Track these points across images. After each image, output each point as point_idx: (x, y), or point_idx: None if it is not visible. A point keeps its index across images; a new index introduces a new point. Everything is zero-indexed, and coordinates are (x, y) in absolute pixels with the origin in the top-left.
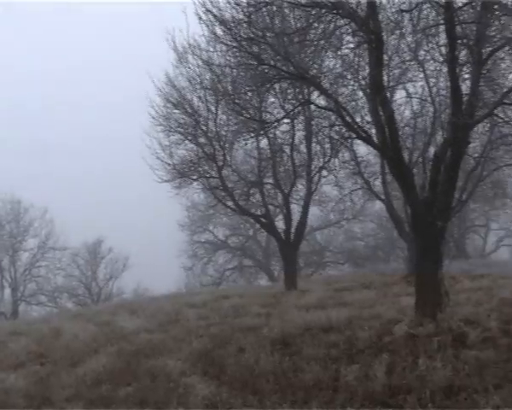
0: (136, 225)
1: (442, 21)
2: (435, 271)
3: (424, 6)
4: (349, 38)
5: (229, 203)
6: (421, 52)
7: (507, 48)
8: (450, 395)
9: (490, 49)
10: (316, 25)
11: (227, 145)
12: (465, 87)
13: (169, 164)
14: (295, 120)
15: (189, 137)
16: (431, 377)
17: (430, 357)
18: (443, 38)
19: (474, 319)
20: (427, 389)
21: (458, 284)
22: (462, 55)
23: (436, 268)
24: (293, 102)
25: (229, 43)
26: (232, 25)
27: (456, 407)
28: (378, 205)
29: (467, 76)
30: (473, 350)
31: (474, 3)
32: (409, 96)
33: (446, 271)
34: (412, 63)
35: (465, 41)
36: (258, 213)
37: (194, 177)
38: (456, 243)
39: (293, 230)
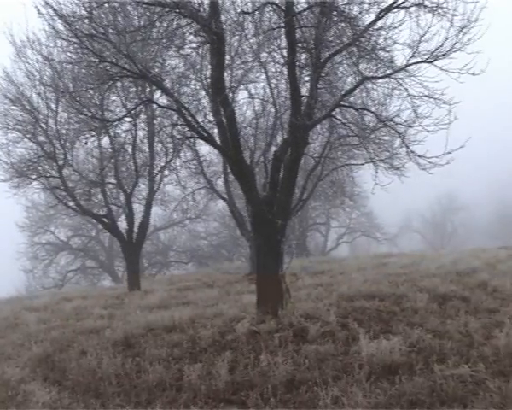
0: None
1: (283, 25)
2: (276, 268)
3: (266, 9)
4: (192, 37)
5: (71, 203)
6: (263, 54)
7: (344, 52)
8: (292, 388)
9: (328, 53)
10: (158, 23)
11: (68, 144)
12: (305, 90)
13: (7, 163)
14: (137, 119)
15: (28, 135)
16: (273, 372)
17: (272, 353)
18: (284, 41)
19: (314, 314)
20: (269, 384)
21: (299, 281)
22: (303, 58)
23: (277, 266)
24: (135, 100)
25: (69, 38)
26: (73, 20)
27: (298, 400)
28: (221, 204)
29: (307, 79)
30: (313, 344)
31: (313, 9)
32: (251, 96)
33: (287, 268)
34: (254, 65)
35: (305, 45)
36: (101, 213)
37: (34, 176)
38: (297, 241)
39: (135, 230)
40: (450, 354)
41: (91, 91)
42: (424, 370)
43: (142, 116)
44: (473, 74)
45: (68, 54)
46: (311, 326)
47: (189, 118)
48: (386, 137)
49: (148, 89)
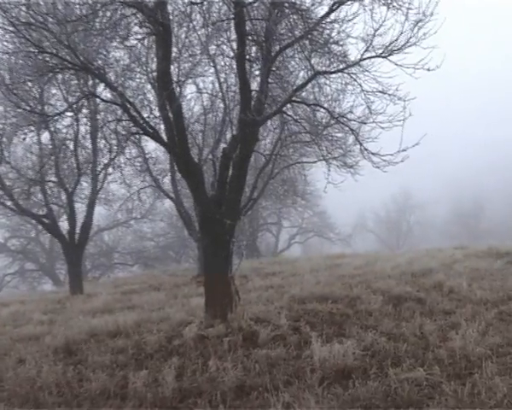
0: None
1: (232, 16)
2: (225, 270)
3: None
4: (137, 28)
5: (8, 203)
6: (212, 47)
7: (296, 46)
8: (242, 394)
9: (279, 46)
10: (101, 13)
11: (5, 139)
12: (255, 84)
13: None
14: (79, 114)
15: None
16: (222, 378)
17: (221, 358)
18: (234, 34)
19: (265, 318)
20: (217, 391)
21: (249, 283)
22: (253, 51)
23: (226, 267)
24: (77, 94)
25: (5, 27)
26: (9, 7)
27: (248, 406)
28: (168, 203)
29: (257, 73)
30: (263, 349)
31: (264, 0)
32: (199, 91)
33: (237, 270)
34: (202, 58)
35: (255, 37)
36: (40, 213)
37: None
38: (247, 242)
39: (78, 230)
40: (405, 358)
41: (30, 84)
42: (378, 374)
43: (85, 111)
44: (428, 70)
45: (4, 43)
46: (261, 330)
47: (134, 113)
48: (339, 134)
49: (90, 82)
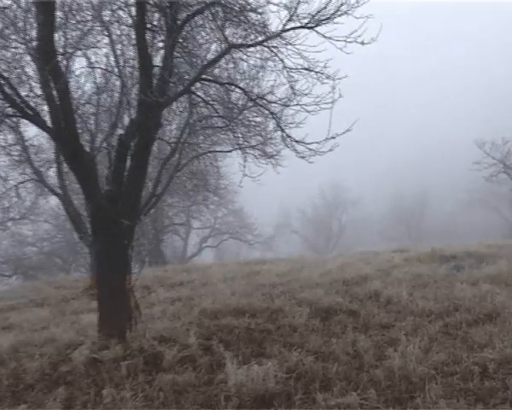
0: None
1: None
2: (122, 280)
3: None
4: None
5: None
6: (106, 12)
7: (206, 13)
8: None
9: (186, 13)
10: None
11: None
12: (159, 59)
13: None
14: None
15: None
16: None
17: (117, 386)
18: None
19: (171, 336)
20: None
21: (152, 295)
22: (155, 19)
23: (123, 277)
24: None
25: None
26: None
27: None
28: (53, 201)
29: (160, 45)
30: (169, 373)
31: None
32: (90, 65)
33: (137, 279)
34: (95, 25)
35: (157, 2)
36: None
37: None
38: (150, 246)
39: None
40: (336, 380)
41: None
42: (305, 400)
43: None
44: (362, 43)
45: None
46: (166, 351)
47: (9, 90)
48: (257, 119)
49: None
